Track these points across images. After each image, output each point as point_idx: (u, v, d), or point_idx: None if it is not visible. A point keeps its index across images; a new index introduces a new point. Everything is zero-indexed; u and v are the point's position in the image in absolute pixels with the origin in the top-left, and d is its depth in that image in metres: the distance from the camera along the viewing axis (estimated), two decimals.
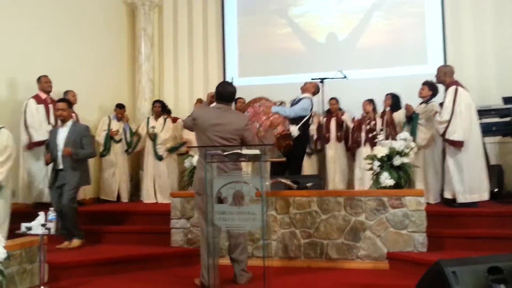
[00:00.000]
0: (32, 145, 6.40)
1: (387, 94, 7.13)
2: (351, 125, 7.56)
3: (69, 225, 5.49)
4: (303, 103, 6.23)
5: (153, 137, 7.65)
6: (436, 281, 3.11)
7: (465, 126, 5.56)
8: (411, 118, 6.33)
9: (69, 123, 5.64)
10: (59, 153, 5.50)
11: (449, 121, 5.57)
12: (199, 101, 7.92)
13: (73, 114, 6.40)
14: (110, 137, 7.72)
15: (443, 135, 5.64)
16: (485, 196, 5.62)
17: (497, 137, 6.88)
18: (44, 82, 6.63)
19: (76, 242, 5.51)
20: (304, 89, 6.51)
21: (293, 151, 5.95)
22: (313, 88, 6.49)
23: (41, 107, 6.56)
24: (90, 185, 6.64)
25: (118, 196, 7.83)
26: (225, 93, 4.35)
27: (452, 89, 5.67)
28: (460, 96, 5.60)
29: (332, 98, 7.72)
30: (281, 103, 6.39)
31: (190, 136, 7.44)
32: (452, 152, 5.64)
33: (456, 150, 5.59)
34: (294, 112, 6.15)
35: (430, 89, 6.40)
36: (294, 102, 6.42)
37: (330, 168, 7.62)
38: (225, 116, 4.25)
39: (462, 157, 5.58)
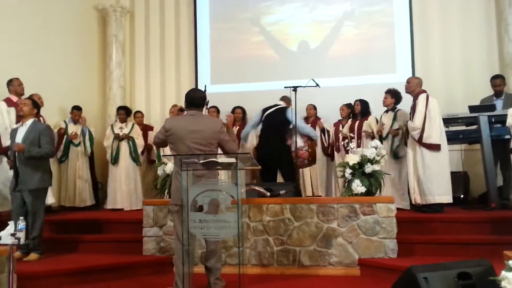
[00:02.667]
0: (2, 149, 6.22)
1: (356, 100, 7.27)
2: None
3: (31, 234, 5.16)
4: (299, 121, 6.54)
5: (130, 140, 7.65)
6: (409, 286, 3.17)
7: (438, 130, 5.81)
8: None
9: (29, 122, 5.34)
10: (16, 153, 5.21)
11: (423, 126, 5.77)
12: (174, 106, 7.89)
13: (41, 118, 6.32)
14: (69, 142, 7.58)
15: (419, 140, 5.81)
16: (450, 199, 5.81)
17: (463, 144, 7.08)
18: (17, 85, 6.46)
19: (33, 256, 5.20)
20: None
21: (286, 158, 6.17)
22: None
23: (12, 110, 6.37)
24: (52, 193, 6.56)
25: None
26: (196, 98, 4.33)
27: (423, 95, 5.90)
28: (431, 102, 5.85)
29: (309, 104, 7.82)
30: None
31: None
32: (425, 155, 5.80)
33: (430, 154, 5.77)
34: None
35: (392, 96, 6.64)
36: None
37: (306, 175, 7.68)
38: (201, 122, 4.23)
39: (434, 161, 5.77)
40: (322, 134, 7.82)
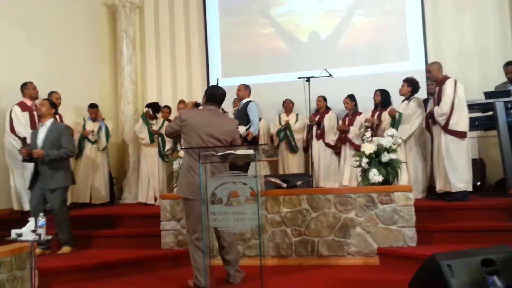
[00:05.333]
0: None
1: (376, 91, 7.12)
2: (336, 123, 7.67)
3: (60, 231, 5.40)
4: (255, 110, 6.38)
5: (159, 136, 7.69)
6: (432, 274, 3.16)
7: (466, 117, 5.74)
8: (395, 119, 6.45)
9: (48, 123, 5.50)
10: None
11: (450, 113, 5.70)
12: (182, 102, 7.92)
13: (57, 116, 6.30)
14: (84, 138, 7.60)
15: (444, 127, 5.74)
16: (470, 187, 5.76)
17: (479, 131, 7.00)
18: (31, 89, 6.52)
19: (66, 249, 5.41)
20: (241, 96, 6.59)
21: None
22: (247, 91, 6.58)
23: (26, 114, 6.41)
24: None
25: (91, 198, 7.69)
26: (217, 95, 4.39)
27: (451, 80, 5.82)
28: (459, 88, 5.77)
29: (319, 96, 7.77)
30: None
31: None
32: (449, 143, 5.74)
33: (453, 141, 5.71)
34: (257, 123, 6.38)
35: (409, 85, 6.57)
36: (240, 109, 6.48)
37: (317, 166, 7.65)
38: (218, 118, 4.32)
39: (458, 148, 5.71)
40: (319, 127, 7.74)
